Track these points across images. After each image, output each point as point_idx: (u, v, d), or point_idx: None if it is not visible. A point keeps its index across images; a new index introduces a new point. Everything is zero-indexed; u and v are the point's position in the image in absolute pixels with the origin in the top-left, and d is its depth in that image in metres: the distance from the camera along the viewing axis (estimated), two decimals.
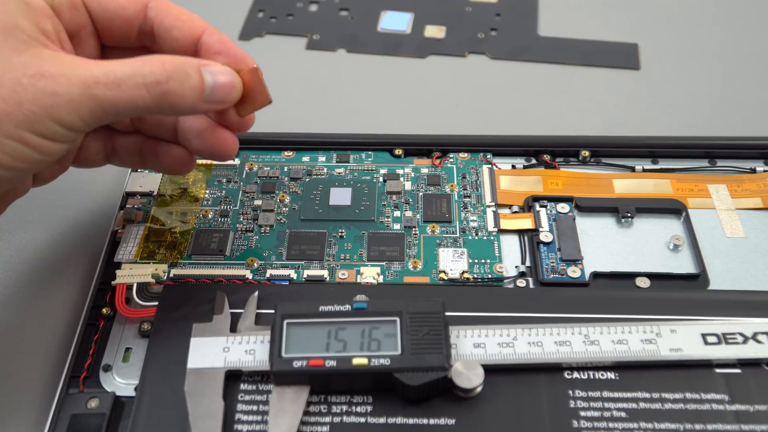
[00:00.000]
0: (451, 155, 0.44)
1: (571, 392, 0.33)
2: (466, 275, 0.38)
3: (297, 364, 0.32)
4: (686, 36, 0.57)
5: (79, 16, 0.34)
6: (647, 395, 0.33)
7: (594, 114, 0.50)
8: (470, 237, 0.40)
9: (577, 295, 0.37)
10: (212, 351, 0.33)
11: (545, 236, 0.40)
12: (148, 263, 0.39)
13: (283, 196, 0.42)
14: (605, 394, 0.33)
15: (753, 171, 0.44)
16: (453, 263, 0.39)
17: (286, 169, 0.44)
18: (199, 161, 0.44)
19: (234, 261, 0.39)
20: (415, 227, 0.41)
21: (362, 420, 0.32)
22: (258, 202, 0.42)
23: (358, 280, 0.38)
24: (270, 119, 0.50)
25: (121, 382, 0.35)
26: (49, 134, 0.29)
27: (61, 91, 0.29)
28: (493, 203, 0.42)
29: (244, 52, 0.35)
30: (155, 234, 0.40)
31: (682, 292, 0.37)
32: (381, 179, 0.43)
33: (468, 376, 0.32)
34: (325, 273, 0.38)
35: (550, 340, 0.34)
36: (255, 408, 0.33)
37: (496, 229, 0.40)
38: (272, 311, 0.34)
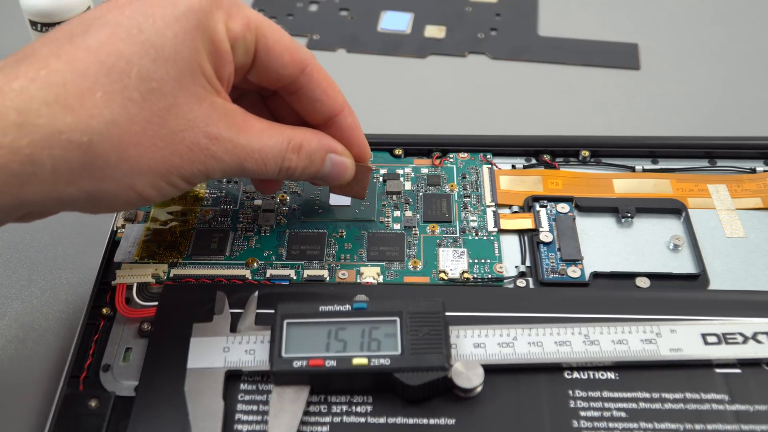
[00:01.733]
0: (451, 155, 0.44)
1: (571, 392, 0.33)
2: (466, 275, 0.38)
3: (297, 364, 0.32)
4: (686, 36, 0.57)
5: (246, 61, 0.33)
6: (647, 395, 0.33)
7: (594, 114, 0.50)
8: (470, 237, 0.40)
9: (577, 295, 0.37)
10: (212, 351, 0.33)
11: (545, 236, 0.40)
12: (148, 263, 0.39)
13: (283, 196, 0.42)
14: (605, 394, 0.33)
15: (753, 171, 0.44)
16: (453, 263, 0.39)
17: None
18: None
19: (234, 261, 0.39)
20: (415, 227, 0.41)
21: (362, 420, 0.32)
22: (258, 202, 0.42)
23: (358, 280, 0.38)
24: None
25: (121, 382, 0.34)
26: (196, 182, 0.32)
27: (225, 158, 0.31)
28: (493, 203, 0.42)
29: (366, 144, 0.38)
30: (155, 234, 0.40)
31: (682, 292, 0.37)
32: (381, 179, 0.43)
33: (468, 376, 0.32)
34: (325, 273, 0.38)
35: (550, 340, 0.34)
36: (255, 408, 0.33)
37: (496, 229, 0.40)
38: (272, 311, 0.34)
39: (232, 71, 0.32)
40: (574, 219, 0.41)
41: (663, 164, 0.44)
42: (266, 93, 0.38)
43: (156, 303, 0.36)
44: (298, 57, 0.34)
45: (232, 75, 0.33)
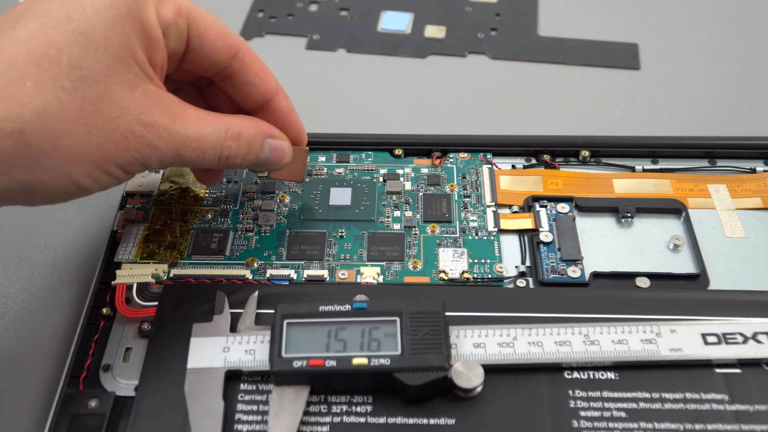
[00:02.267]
0: (451, 155, 0.44)
1: (571, 392, 0.33)
2: (466, 275, 0.38)
3: (297, 364, 0.32)
4: (686, 36, 0.57)
5: (179, 48, 0.33)
6: (647, 395, 0.33)
7: (594, 114, 0.50)
8: (470, 237, 0.40)
9: (577, 295, 0.37)
10: (212, 351, 0.33)
11: (545, 236, 0.40)
12: (148, 263, 0.39)
13: (283, 196, 0.42)
14: (605, 394, 0.33)
15: (753, 171, 0.43)
16: (453, 263, 0.39)
17: None
18: None
19: (234, 261, 0.39)
20: (415, 227, 0.41)
21: (362, 420, 0.32)
22: (258, 202, 0.42)
23: (358, 280, 0.38)
24: None
25: (121, 382, 0.35)
26: (134, 171, 0.32)
27: (161, 146, 0.31)
28: (493, 203, 0.42)
29: (302, 127, 0.38)
30: (155, 234, 0.40)
31: (682, 292, 0.37)
32: (381, 179, 0.43)
33: (468, 376, 0.32)
34: (325, 273, 0.38)
35: (550, 340, 0.34)
36: (255, 408, 0.33)
37: (496, 229, 0.40)
38: (272, 311, 0.34)
39: (165, 58, 0.32)
40: (574, 219, 0.41)
41: (663, 164, 0.44)
42: (202, 84, 0.38)
43: (156, 303, 0.36)
44: (231, 42, 0.34)
45: (166, 62, 0.33)
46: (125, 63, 0.30)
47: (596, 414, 0.32)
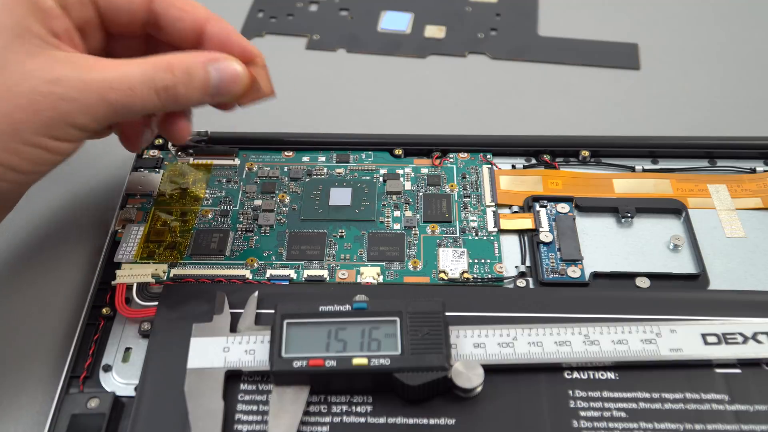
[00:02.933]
0: (451, 155, 0.44)
1: (571, 392, 0.33)
2: (466, 275, 0.38)
3: (297, 364, 0.32)
4: (686, 36, 0.57)
5: (87, 11, 0.34)
6: (647, 395, 0.33)
7: (594, 114, 0.50)
8: (470, 237, 0.40)
9: (577, 295, 0.37)
10: (212, 351, 0.33)
11: (545, 236, 0.40)
12: (148, 263, 0.39)
13: (283, 196, 0.42)
14: (605, 394, 0.33)
15: (753, 171, 0.43)
16: (453, 263, 0.39)
17: (286, 169, 0.44)
18: (199, 161, 0.44)
19: (234, 261, 0.39)
20: (415, 227, 0.41)
21: (362, 420, 0.32)
22: (258, 202, 0.42)
23: (358, 280, 0.38)
24: (270, 119, 0.50)
25: (121, 382, 0.35)
26: (66, 137, 0.30)
27: (78, 96, 0.30)
28: (493, 203, 0.42)
29: (247, 43, 0.36)
30: (155, 234, 0.40)
31: (682, 292, 0.37)
32: (381, 179, 0.43)
33: (468, 376, 0.32)
34: (325, 273, 0.38)
35: (550, 340, 0.34)
36: (255, 408, 0.33)
37: (496, 229, 0.40)
38: (272, 311, 0.34)
39: (69, 26, 0.33)
40: (574, 219, 0.41)
41: (663, 164, 0.44)
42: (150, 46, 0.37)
43: (156, 303, 0.36)
44: None
45: (72, 29, 0.33)
46: (22, 39, 0.30)
47: (596, 414, 0.32)
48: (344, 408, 0.33)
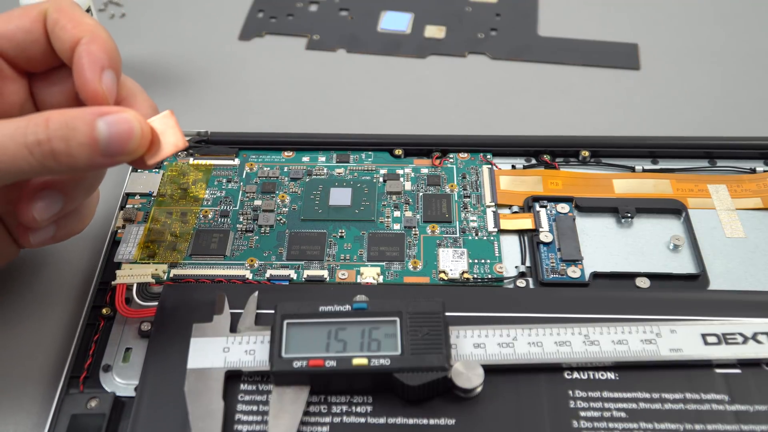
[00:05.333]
0: (451, 155, 0.44)
1: (571, 392, 0.33)
2: (466, 275, 0.38)
3: (297, 364, 0.32)
4: (686, 36, 0.57)
5: None
6: (647, 395, 0.33)
7: (594, 114, 0.50)
8: (470, 237, 0.40)
9: (577, 295, 0.37)
10: (212, 351, 0.33)
11: (545, 236, 0.40)
12: (148, 263, 0.39)
13: (283, 196, 0.42)
14: (605, 394, 0.33)
15: (753, 171, 0.44)
16: (453, 263, 0.39)
17: (286, 169, 0.44)
18: (199, 162, 0.44)
19: (234, 261, 0.39)
20: (415, 227, 0.41)
21: (362, 420, 0.32)
22: (258, 202, 0.42)
23: (358, 280, 0.38)
24: (270, 119, 0.50)
25: (121, 382, 0.35)
26: None
27: None
28: (493, 203, 0.42)
29: (101, 80, 0.31)
30: (155, 234, 0.40)
31: (682, 292, 0.37)
32: (381, 179, 0.43)
33: (468, 376, 0.32)
34: (325, 273, 0.38)
35: (550, 340, 0.34)
36: (255, 408, 0.33)
37: (496, 230, 0.40)
38: (272, 311, 0.34)
39: None
40: (574, 219, 0.41)
41: (663, 164, 0.44)
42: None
43: (156, 303, 0.36)
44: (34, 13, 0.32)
45: None
46: None
47: (596, 414, 0.32)
48: (344, 408, 0.33)
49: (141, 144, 0.30)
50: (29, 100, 0.34)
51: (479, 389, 0.33)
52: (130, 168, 0.44)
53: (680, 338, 0.34)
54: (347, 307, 0.33)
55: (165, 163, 0.44)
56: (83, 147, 0.29)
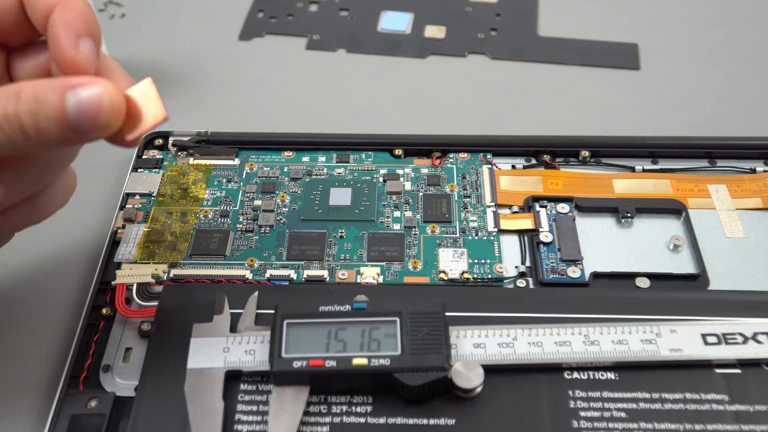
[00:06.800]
0: (451, 155, 0.44)
1: (571, 392, 0.33)
2: (466, 275, 0.38)
3: (297, 364, 0.32)
4: (686, 36, 0.57)
5: None
6: (647, 395, 0.33)
7: (594, 114, 0.50)
8: (470, 237, 0.40)
9: (577, 295, 0.37)
10: (212, 351, 0.33)
11: (545, 236, 0.40)
12: (148, 263, 0.39)
13: (283, 196, 0.42)
14: (605, 394, 0.33)
15: (753, 171, 0.43)
16: (453, 263, 0.39)
17: (286, 169, 0.44)
18: (199, 162, 0.44)
19: (234, 261, 0.39)
20: (415, 227, 0.41)
21: (362, 420, 0.32)
22: (258, 202, 0.42)
23: (358, 280, 0.38)
24: (270, 119, 0.50)
25: (121, 382, 0.35)
26: None
27: None
28: (493, 203, 0.42)
29: (79, 48, 0.28)
30: (155, 234, 0.40)
31: (682, 292, 0.37)
32: (381, 179, 0.43)
33: (468, 376, 0.32)
34: (325, 273, 0.38)
35: (550, 341, 0.34)
36: (255, 408, 0.33)
37: (496, 230, 0.40)
38: (272, 311, 0.34)
39: None
40: (574, 219, 0.41)
41: (663, 164, 0.44)
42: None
43: (156, 303, 0.36)
44: None
45: None
46: None
47: (596, 414, 0.32)
48: (344, 408, 0.33)
49: (113, 118, 0.27)
50: (5, 75, 0.32)
51: (479, 389, 0.33)
52: (131, 168, 0.44)
53: (680, 338, 0.34)
54: (347, 307, 0.33)
55: (165, 163, 0.44)
56: (51, 122, 0.27)
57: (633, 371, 0.34)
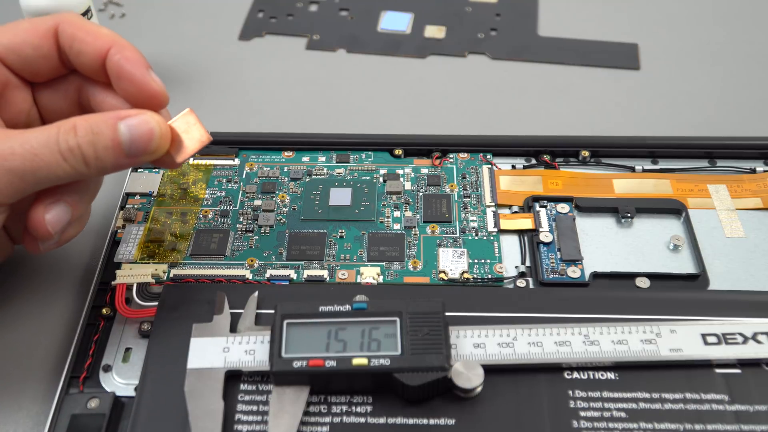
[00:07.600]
0: (451, 155, 0.44)
1: (571, 392, 0.33)
2: (466, 275, 0.38)
3: (297, 364, 0.32)
4: (686, 36, 0.57)
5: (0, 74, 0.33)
6: (647, 395, 0.33)
7: (594, 114, 0.50)
8: (470, 237, 0.40)
9: (577, 295, 0.37)
10: (212, 351, 0.33)
11: (545, 236, 0.40)
12: (148, 263, 0.39)
13: (283, 196, 0.42)
14: (605, 394, 0.33)
15: (753, 171, 0.44)
16: (453, 263, 0.39)
17: (286, 169, 0.44)
18: (199, 162, 0.44)
19: (234, 261, 0.39)
20: (415, 227, 0.41)
21: (362, 420, 0.32)
22: (258, 202, 0.42)
23: (358, 280, 0.38)
24: (270, 119, 0.50)
25: (121, 382, 0.35)
26: None
27: None
28: (493, 203, 0.42)
29: (149, 79, 0.33)
30: (155, 234, 0.40)
31: (682, 292, 0.37)
32: (381, 179, 0.43)
33: (468, 376, 0.32)
34: (325, 273, 0.38)
35: (550, 340, 0.34)
36: (255, 408, 0.33)
37: (496, 230, 0.40)
38: (272, 311, 0.34)
39: None
40: (574, 219, 0.41)
41: (663, 164, 0.44)
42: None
43: (156, 303, 0.36)
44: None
45: None
46: None
47: (596, 414, 0.32)
48: (344, 408, 0.33)
49: (162, 143, 0.32)
50: (33, 107, 0.36)
51: (479, 389, 0.33)
52: (131, 168, 0.44)
53: (680, 338, 0.34)
54: (347, 307, 0.33)
55: None
56: (108, 150, 0.31)
57: (633, 371, 0.34)
